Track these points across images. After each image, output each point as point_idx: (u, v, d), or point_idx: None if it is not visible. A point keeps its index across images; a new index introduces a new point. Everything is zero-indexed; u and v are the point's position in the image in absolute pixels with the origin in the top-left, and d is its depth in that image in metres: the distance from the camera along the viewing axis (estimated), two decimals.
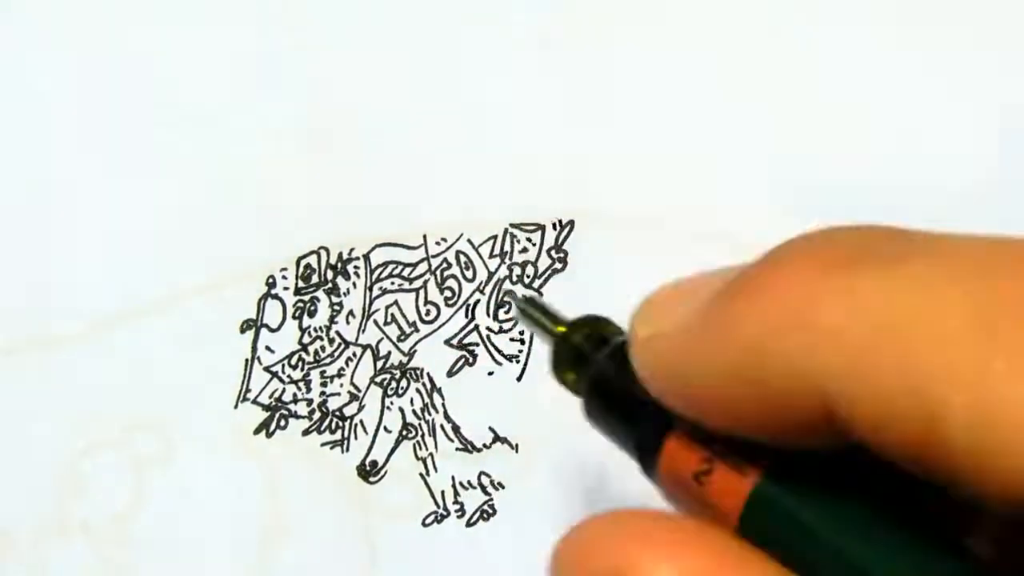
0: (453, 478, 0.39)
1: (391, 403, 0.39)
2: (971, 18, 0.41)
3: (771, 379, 0.17)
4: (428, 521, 0.39)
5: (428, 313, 0.39)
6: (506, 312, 0.39)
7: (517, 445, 0.39)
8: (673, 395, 0.19)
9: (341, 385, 0.39)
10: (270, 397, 0.39)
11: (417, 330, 0.39)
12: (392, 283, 0.39)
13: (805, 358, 0.17)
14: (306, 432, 0.39)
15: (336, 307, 0.39)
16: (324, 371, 0.39)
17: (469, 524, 0.39)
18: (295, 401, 0.39)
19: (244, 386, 0.39)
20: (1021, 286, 0.16)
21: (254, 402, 0.39)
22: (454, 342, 0.39)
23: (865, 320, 0.16)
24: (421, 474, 0.39)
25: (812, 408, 0.17)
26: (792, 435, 0.18)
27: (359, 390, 0.39)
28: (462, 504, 0.39)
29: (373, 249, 0.39)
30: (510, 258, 0.39)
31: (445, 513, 0.39)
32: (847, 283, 0.17)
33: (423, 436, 0.39)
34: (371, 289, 0.39)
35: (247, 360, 0.39)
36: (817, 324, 0.17)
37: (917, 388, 0.16)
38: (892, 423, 0.16)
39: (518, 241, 0.40)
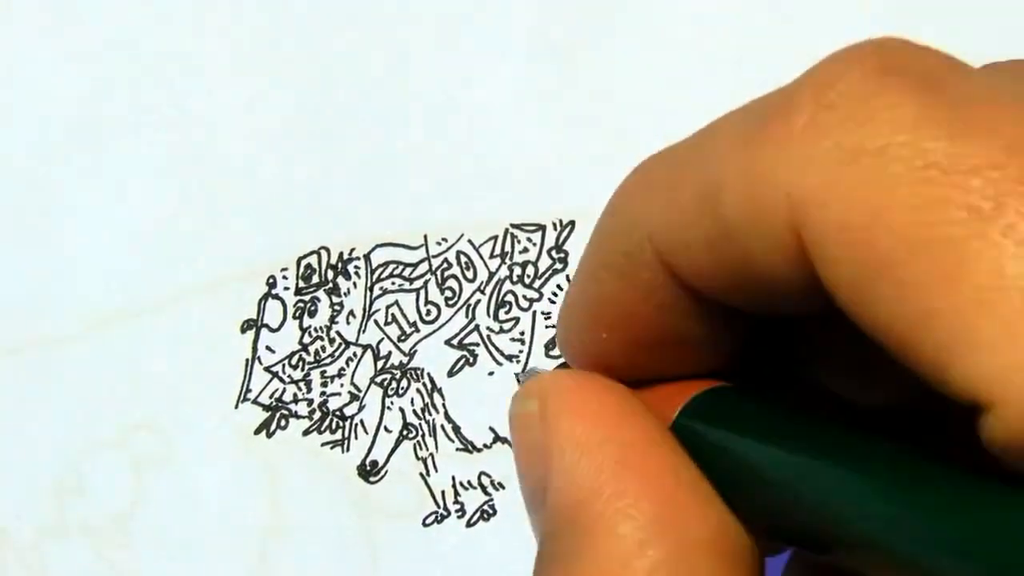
0: (453, 478, 0.39)
1: (391, 403, 0.39)
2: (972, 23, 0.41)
3: (737, 206, 0.17)
4: (428, 521, 0.39)
5: (429, 313, 0.39)
6: (506, 312, 0.39)
7: None
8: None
9: (342, 385, 0.39)
10: (270, 397, 0.39)
11: (418, 330, 0.39)
12: (393, 283, 0.39)
13: (776, 171, 0.16)
14: (307, 432, 0.39)
15: (337, 307, 0.39)
16: (325, 371, 0.39)
17: (469, 524, 0.39)
18: (295, 401, 0.39)
19: (244, 386, 0.39)
20: None
21: (254, 402, 0.39)
22: (455, 342, 0.39)
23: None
24: (421, 474, 0.39)
25: (780, 238, 0.17)
26: (761, 282, 0.17)
27: (360, 390, 0.39)
28: (462, 504, 0.39)
29: (374, 249, 0.39)
30: (511, 258, 0.39)
31: (445, 513, 0.39)
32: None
33: (423, 436, 0.39)
34: (372, 289, 0.39)
35: (247, 360, 0.39)
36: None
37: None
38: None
39: (519, 241, 0.40)
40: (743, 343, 0.20)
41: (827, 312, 0.17)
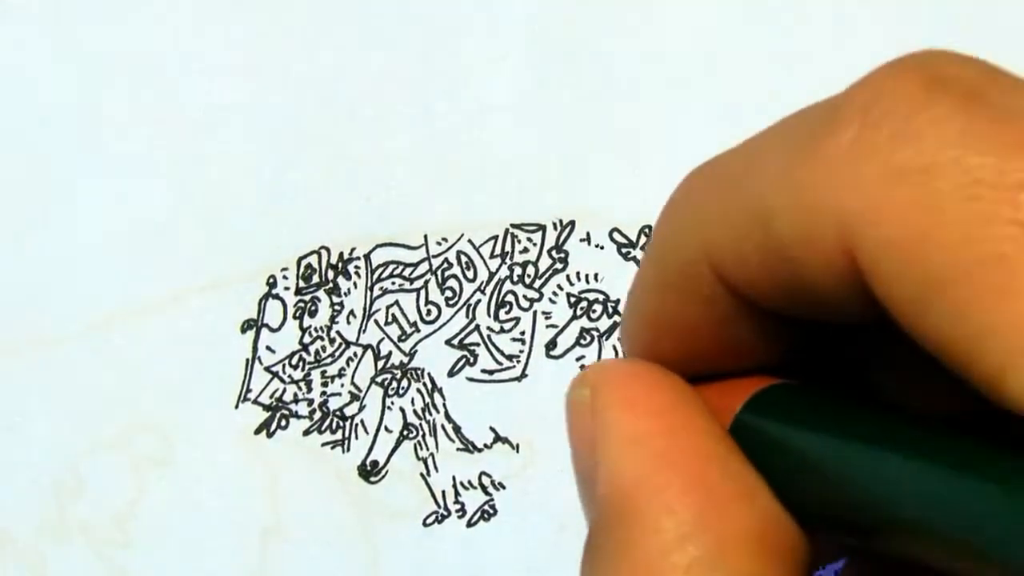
0: (454, 478, 0.39)
1: (392, 403, 0.39)
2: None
3: (789, 220, 0.17)
4: (429, 521, 0.39)
5: (429, 313, 0.39)
6: (507, 312, 0.39)
7: (518, 445, 0.39)
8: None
9: (342, 385, 0.39)
10: (271, 397, 0.39)
11: (418, 330, 0.39)
12: (393, 283, 0.39)
13: (822, 194, 0.17)
14: (307, 432, 0.39)
15: (337, 307, 0.39)
16: (325, 371, 0.39)
17: (470, 524, 0.39)
18: (296, 401, 0.39)
19: (245, 386, 0.39)
20: None
21: (255, 402, 0.39)
22: (455, 342, 0.39)
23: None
24: (422, 474, 0.39)
25: (833, 257, 0.17)
26: (816, 296, 0.18)
27: (360, 390, 0.39)
28: (463, 504, 0.39)
29: (374, 249, 0.39)
30: (511, 258, 0.39)
31: (446, 513, 0.39)
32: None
33: (424, 436, 0.39)
34: (372, 289, 0.39)
35: (248, 360, 0.39)
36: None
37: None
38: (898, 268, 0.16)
39: (519, 241, 0.40)
40: (799, 345, 0.20)
41: (881, 322, 0.17)
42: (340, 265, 0.39)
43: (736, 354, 0.20)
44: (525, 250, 0.39)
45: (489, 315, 0.39)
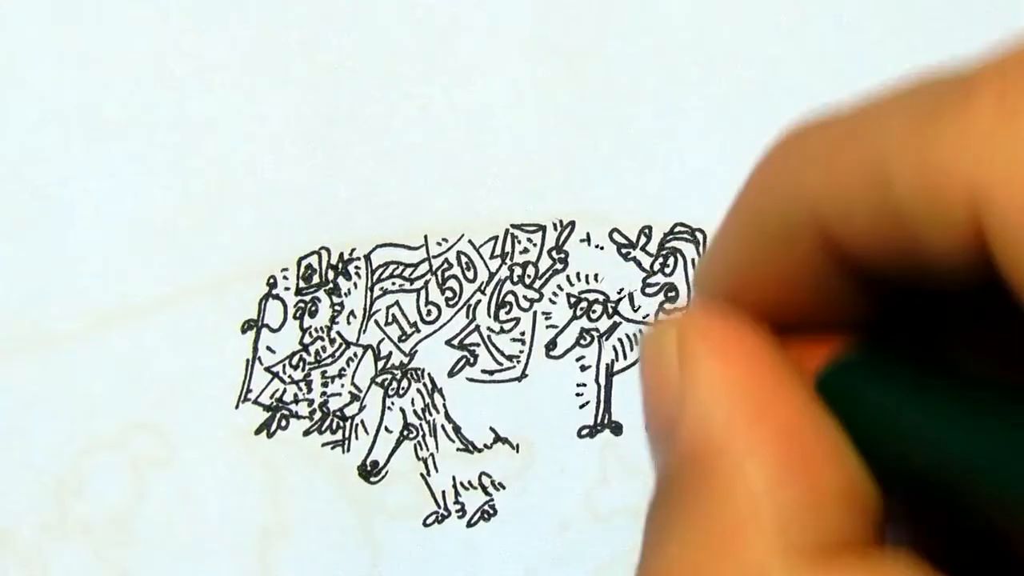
0: (454, 478, 0.39)
1: (392, 403, 0.39)
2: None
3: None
4: (429, 521, 0.39)
5: (429, 313, 0.39)
6: (507, 312, 0.39)
7: (518, 445, 0.39)
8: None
9: (342, 385, 0.39)
10: (271, 397, 0.39)
11: (418, 330, 0.39)
12: (393, 283, 0.39)
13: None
14: (307, 432, 0.39)
15: (337, 307, 0.39)
16: (325, 371, 0.39)
17: (470, 524, 0.39)
18: (296, 401, 0.39)
19: (245, 386, 0.39)
20: None
21: (255, 402, 0.39)
22: (455, 342, 0.39)
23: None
24: (422, 474, 0.39)
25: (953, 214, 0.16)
26: (928, 263, 0.17)
27: (360, 390, 0.39)
28: (463, 504, 0.39)
29: (374, 249, 0.39)
30: (511, 258, 0.39)
31: (446, 513, 0.39)
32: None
33: (424, 436, 0.39)
34: (372, 289, 0.39)
35: (248, 360, 0.39)
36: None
37: None
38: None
39: (519, 241, 0.40)
40: (888, 307, 0.20)
41: (982, 292, 0.17)
42: (340, 265, 0.39)
43: (823, 309, 0.19)
44: (525, 250, 0.40)
45: (489, 315, 0.39)
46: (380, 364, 0.39)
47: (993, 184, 0.16)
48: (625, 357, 0.39)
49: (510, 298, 0.39)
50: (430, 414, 0.39)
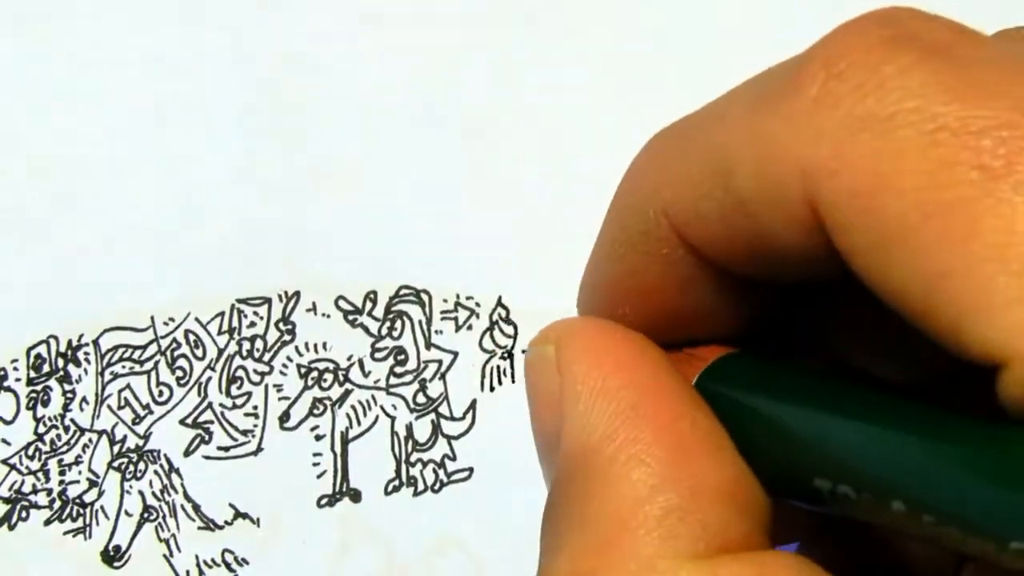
0: (197, 557, 0.39)
1: (130, 487, 0.39)
2: None
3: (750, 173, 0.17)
4: None
5: (161, 394, 0.39)
6: (238, 388, 0.39)
7: (258, 519, 0.39)
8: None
9: (80, 472, 0.39)
10: (9, 490, 0.39)
11: (151, 412, 0.39)
12: (123, 367, 0.39)
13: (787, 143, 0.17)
14: (48, 522, 0.39)
15: (69, 395, 0.39)
16: (62, 459, 0.39)
17: None
18: (35, 491, 0.39)
19: None
20: None
21: None
22: (189, 421, 0.39)
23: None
24: (165, 555, 0.39)
25: (794, 209, 0.17)
26: (777, 253, 0.18)
27: (98, 476, 0.39)
28: None
29: (102, 334, 0.39)
30: (239, 333, 0.39)
31: None
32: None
33: (164, 517, 0.39)
34: (103, 374, 0.39)
35: None
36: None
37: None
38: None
39: (245, 316, 0.39)
40: (760, 312, 0.20)
41: (843, 282, 0.17)
42: (69, 352, 0.39)
43: (698, 320, 0.20)
44: (252, 324, 0.39)
45: (221, 392, 0.39)
46: (116, 448, 0.39)
47: (819, 166, 0.16)
48: (359, 423, 0.39)
49: (240, 373, 0.39)
50: (169, 495, 0.39)
